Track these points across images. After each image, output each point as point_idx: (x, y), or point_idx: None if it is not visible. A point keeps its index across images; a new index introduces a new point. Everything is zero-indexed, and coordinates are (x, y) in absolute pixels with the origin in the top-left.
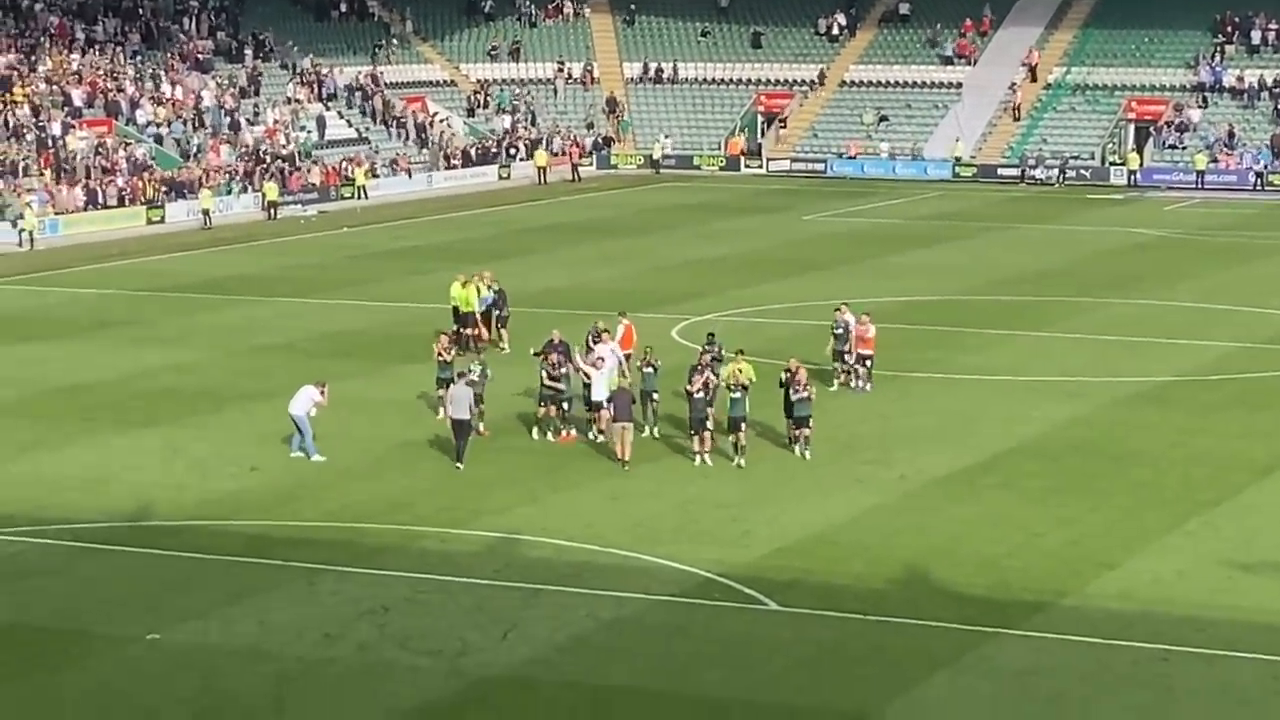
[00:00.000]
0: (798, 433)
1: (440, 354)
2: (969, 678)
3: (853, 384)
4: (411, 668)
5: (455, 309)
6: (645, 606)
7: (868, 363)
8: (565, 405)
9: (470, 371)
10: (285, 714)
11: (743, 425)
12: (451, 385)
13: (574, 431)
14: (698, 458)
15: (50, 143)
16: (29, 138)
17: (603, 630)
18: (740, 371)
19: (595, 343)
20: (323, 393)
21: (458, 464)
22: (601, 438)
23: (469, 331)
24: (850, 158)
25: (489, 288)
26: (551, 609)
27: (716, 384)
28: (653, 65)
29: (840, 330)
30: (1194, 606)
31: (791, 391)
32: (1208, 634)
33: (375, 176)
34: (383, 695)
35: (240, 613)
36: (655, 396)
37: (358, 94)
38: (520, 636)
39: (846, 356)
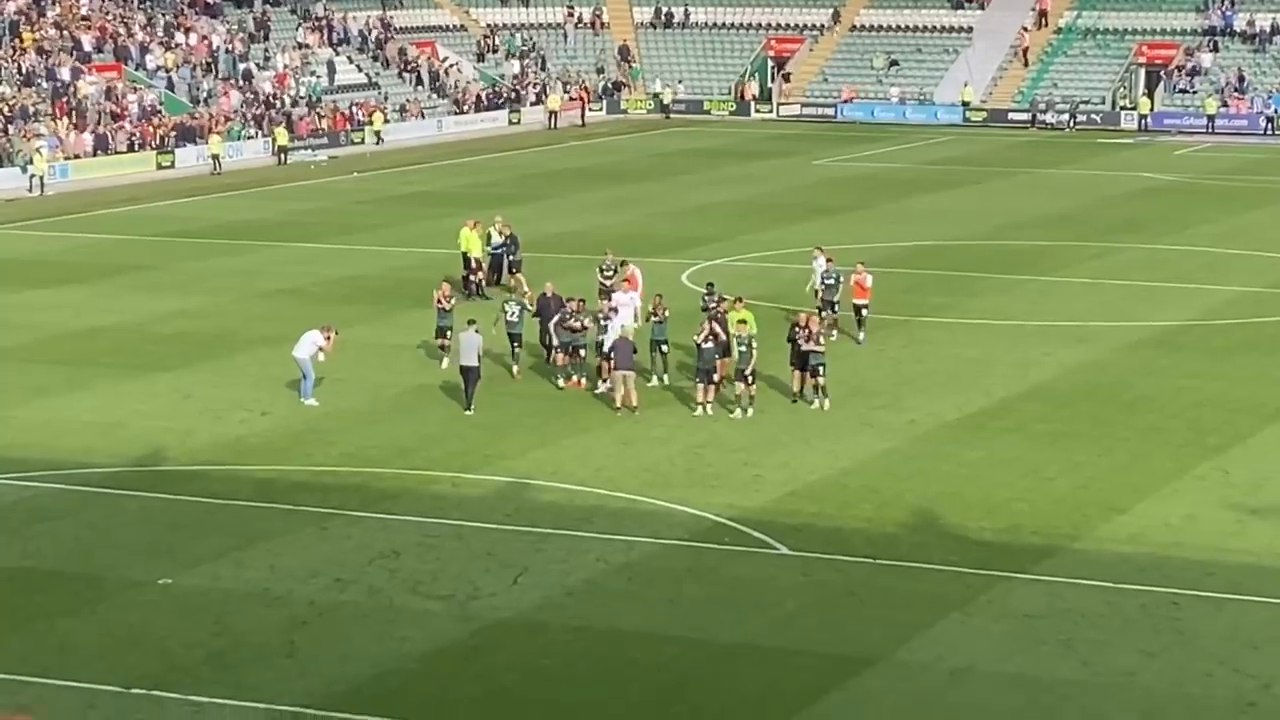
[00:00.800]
0: (813, 381)
1: (440, 302)
2: (979, 621)
3: (834, 336)
4: (422, 612)
5: (465, 254)
6: (655, 550)
7: (863, 313)
8: (581, 351)
9: (506, 312)
10: (296, 657)
11: (749, 377)
12: (461, 332)
13: (585, 379)
14: (699, 408)
15: (61, 88)
16: (39, 83)
17: (613, 574)
18: (744, 323)
19: (608, 281)
20: (328, 338)
21: (467, 410)
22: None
23: (472, 276)
24: (844, 101)
25: (500, 233)
26: (562, 553)
27: (724, 336)
28: (663, 9)
29: (832, 280)
30: (1203, 550)
31: (803, 342)
32: (1217, 577)
33: (386, 122)
34: (394, 639)
35: (252, 557)
36: (664, 347)
37: (368, 39)
38: (531, 580)
39: (836, 306)
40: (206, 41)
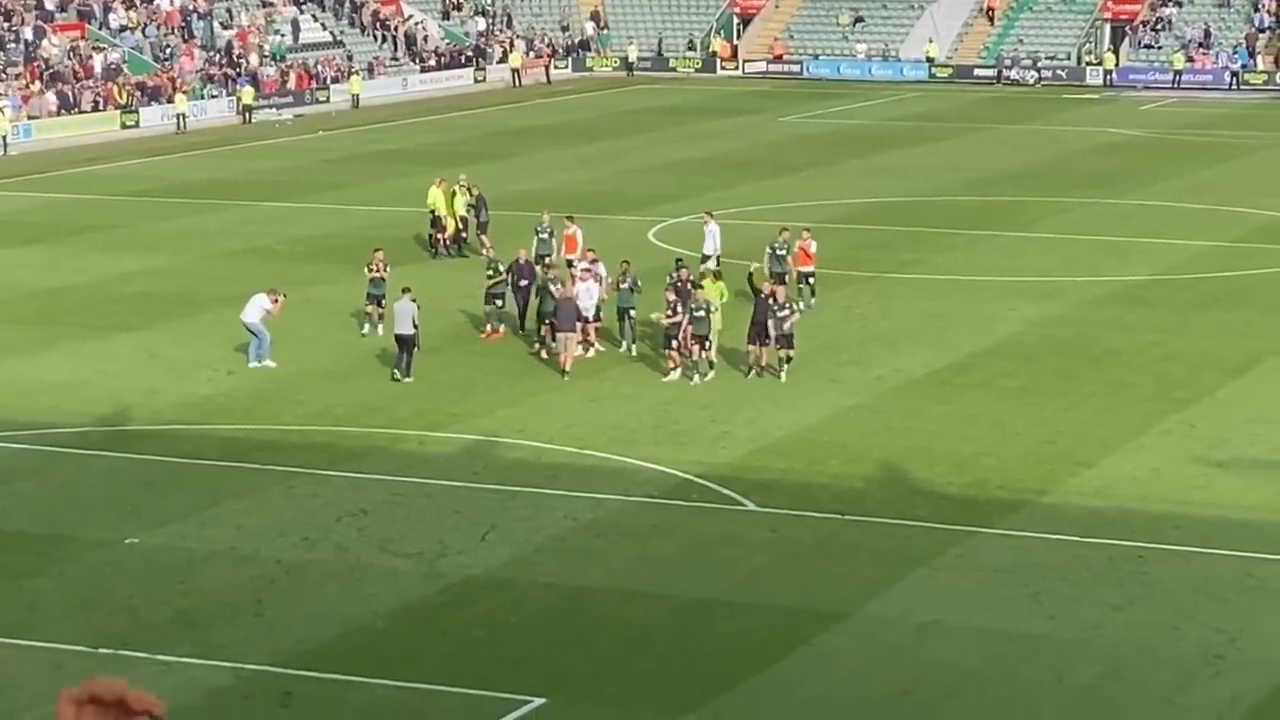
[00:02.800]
0: (782, 353)
1: (375, 269)
2: (947, 575)
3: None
4: (390, 570)
5: (432, 213)
6: (623, 507)
7: (810, 280)
8: (498, 302)
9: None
10: (264, 615)
11: (707, 343)
12: (395, 301)
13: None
14: (668, 375)
15: (24, 48)
16: (3, 41)
17: (581, 531)
18: (699, 288)
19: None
20: (275, 301)
21: (406, 378)
22: (594, 350)
23: (440, 235)
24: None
25: (470, 192)
26: (530, 510)
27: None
28: None
29: (783, 252)
30: (1169, 504)
31: (775, 310)
32: (1183, 531)
33: (347, 79)
34: (362, 597)
35: (218, 516)
36: (632, 313)
37: None
38: (499, 538)
39: (785, 279)
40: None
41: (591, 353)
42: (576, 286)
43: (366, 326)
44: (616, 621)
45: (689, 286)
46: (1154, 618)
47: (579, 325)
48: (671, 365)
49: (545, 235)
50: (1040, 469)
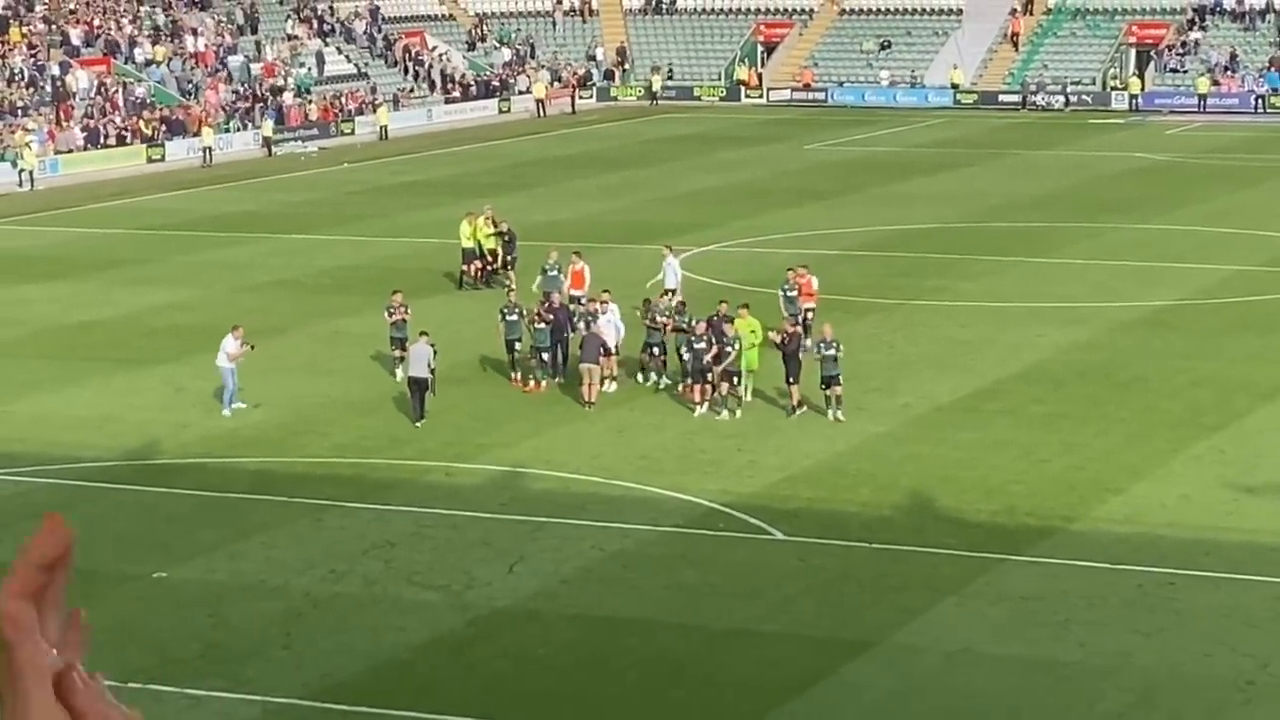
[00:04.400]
0: (829, 393)
1: (392, 312)
2: (975, 604)
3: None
4: (418, 602)
5: (463, 248)
6: (651, 537)
7: (809, 316)
8: (544, 355)
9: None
10: (293, 649)
11: (733, 378)
12: (412, 344)
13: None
14: (696, 408)
15: (50, 83)
16: (31, 78)
17: (608, 562)
18: (729, 322)
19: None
20: (237, 338)
21: (417, 422)
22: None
23: (468, 268)
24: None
25: (496, 225)
26: (557, 541)
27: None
28: None
29: (793, 292)
30: (1199, 530)
31: (820, 348)
32: (1213, 557)
33: (373, 111)
34: (390, 630)
35: (247, 549)
36: (655, 350)
37: (356, 30)
38: (526, 569)
39: (798, 318)
40: (196, 34)
41: (613, 387)
42: (599, 319)
43: (399, 372)
44: (644, 652)
45: (722, 321)
46: (1185, 644)
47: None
48: (698, 400)
49: (554, 272)
50: (1069, 496)
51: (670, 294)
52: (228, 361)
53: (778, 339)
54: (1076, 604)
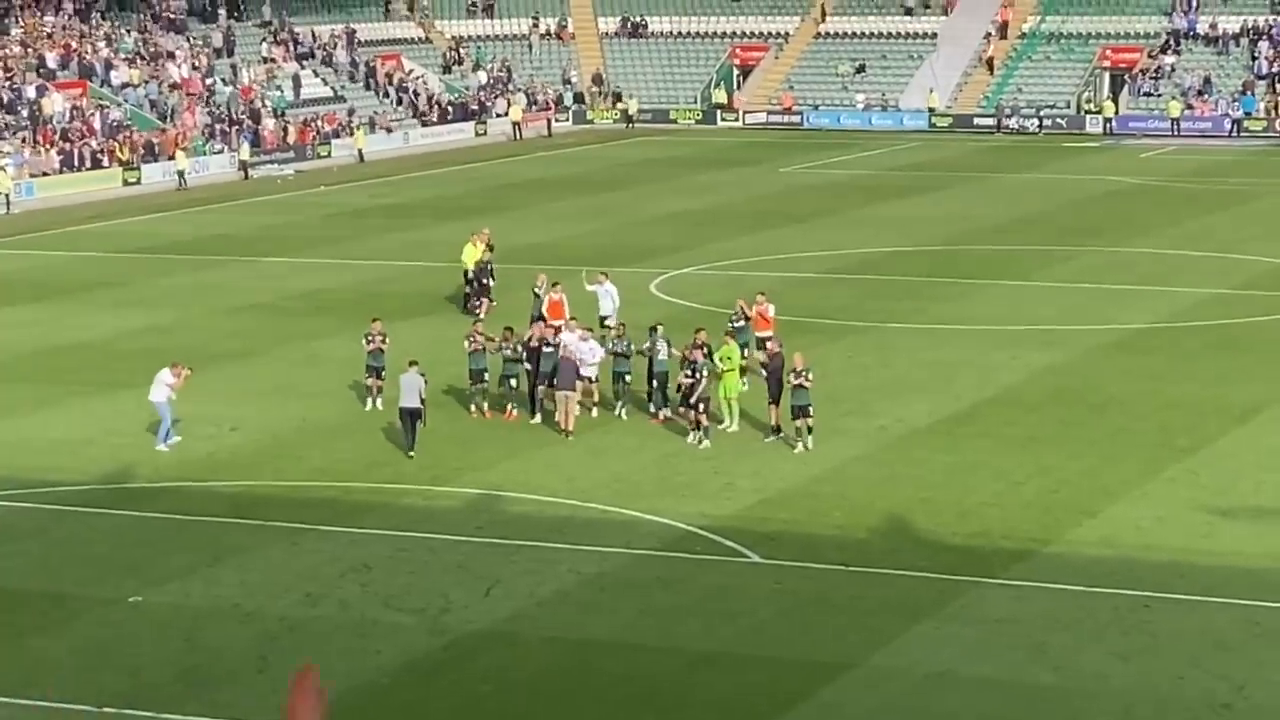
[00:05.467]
0: (798, 423)
1: (374, 341)
2: (951, 627)
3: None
4: (394, 625)
5: (465, 270)
6: (627, 560)
7: (766, 345)
8: (513, 381)
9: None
10: (269, 672)
11: (699, 405)
12: (402, 374)
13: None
14: (692, 435)
15: (26, 106)
16: (7, 101)
17: (585, 585)
18: (700, 348)
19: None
20: (177, 375)
21: (409, 453)
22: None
23: (490, 284)
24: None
25: (489, 248)
26: (534, 564)
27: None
28: (628, 19)
29: (740, 322)
30: (1174, 553)
31: (790, 377)
32: (1188, 580)
33: (351, 135)
34: (366, 653)
35: (222, 573)
36: (627, 377)
37: (333, 53)
38: (503, 592)
39: (745, 350)
40: (171, 58)
41: (595, 412)
42: (579, 349)
43: (369, 403)
44: (621, 675)
45: (694, 348)
46: (1160, 667)
47: (579, 384)
48: (691, 426)
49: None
50: (1044, 518)
51: (604, 320)
52: (164, 395)
53: (763, 358)
54: (1052, 627)
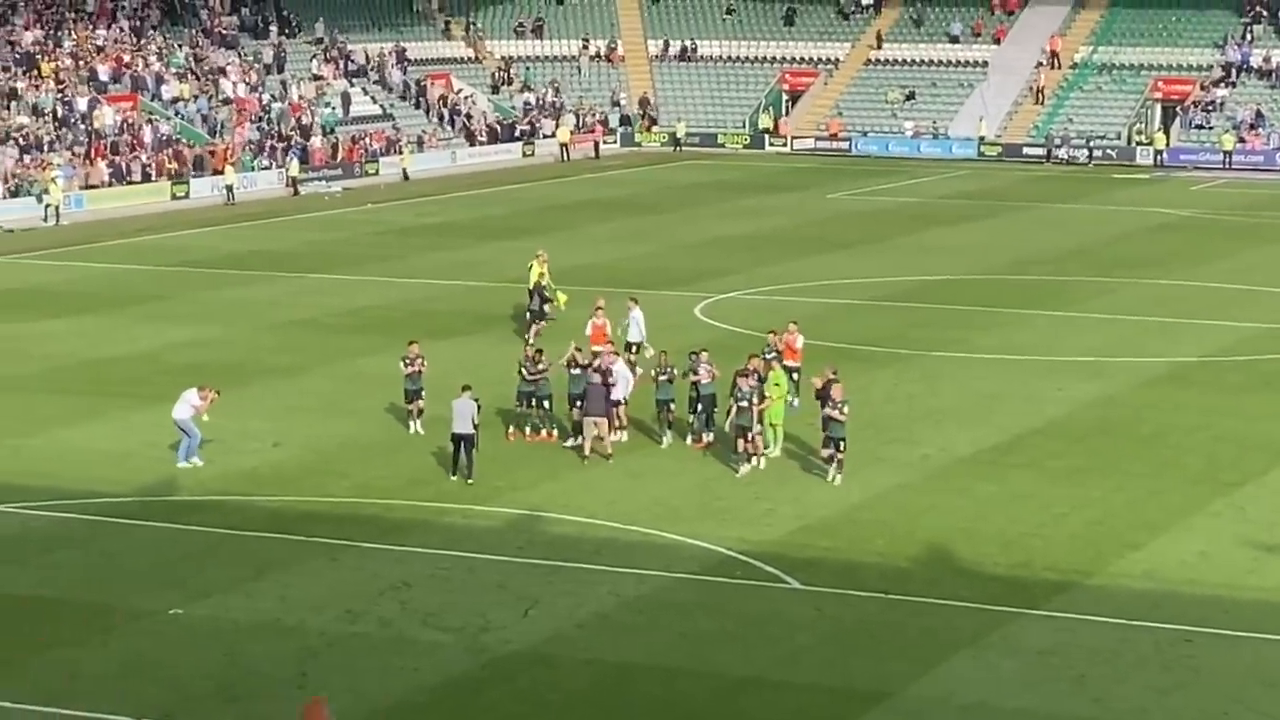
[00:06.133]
0: (827, 453)
1: (412, 364)
2: (991, 657)
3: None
4: (433, 644)
5: (530, 289)
6: (667, 584)
7: (794, 375)
8: (545, 403)
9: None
10: (307, 688)
11: (748, 434)
12: (455, 400)
13: (554, 431)
14: (743, 464)
15: (81, 120)
16: (61, 114)
17: (624, 607)
18: (745, 376)
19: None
20: (204, 397)
21: (468, 480)
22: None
23: (546, 309)
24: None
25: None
26: (573, 586)
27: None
28: (677, 43)
29: (771, 355)
30: (1218, 587)
31: (825, 405)
32: (1232, 615)
33: (399, 153)
34: (404, 670)
35: (263, 588)
36: (671, 406)
37: (382, 70)
38: (542, 613)
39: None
40: (223, 73)
41: (624, 436)
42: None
43: (411, 425)
44: (658, 700)
45: (739, 375)
46: (1202, 703)
47: (611, 409)
48: (743, 452)
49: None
50: (1087, 550)
51: (633, 348)
52: (188, 413)
53: (818, 384)
54: (1093, 660)
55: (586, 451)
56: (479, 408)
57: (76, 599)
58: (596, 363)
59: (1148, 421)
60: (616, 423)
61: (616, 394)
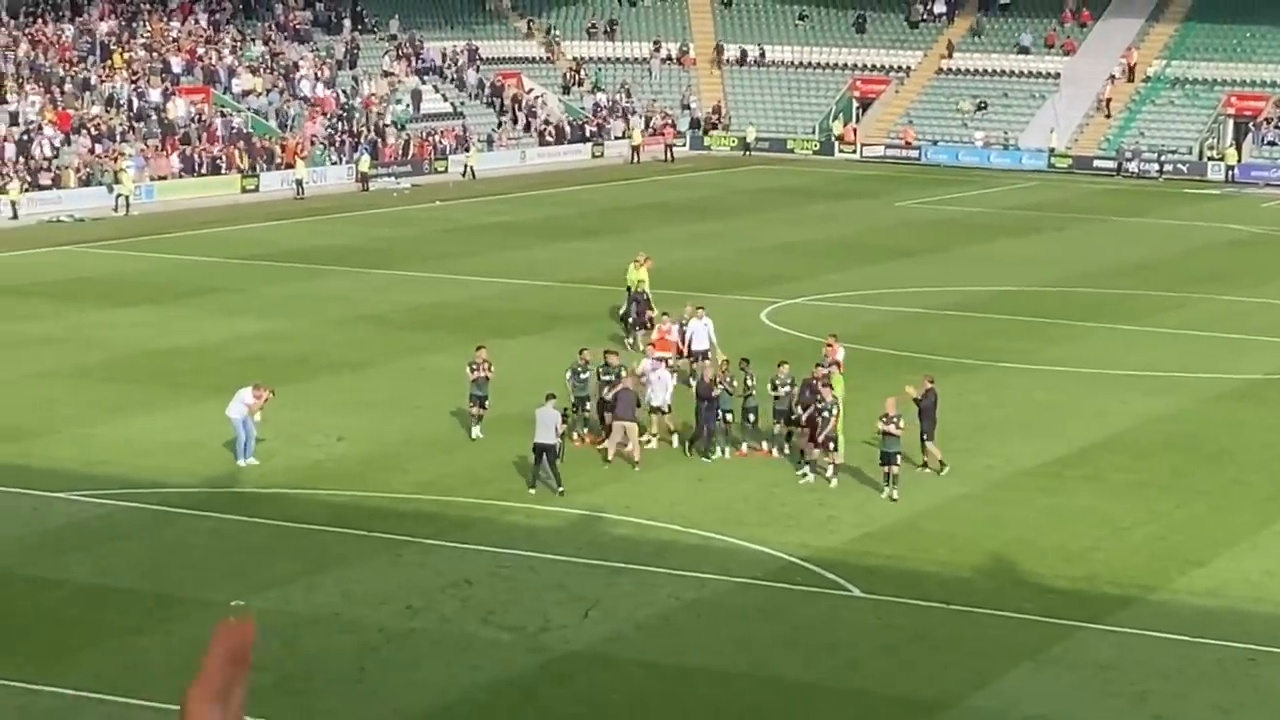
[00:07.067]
0: (886, 470)
1: (479, 369)
2: (1052, 670)
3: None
4: (493, 642)
5: (628, 289)
6: (727, 588)
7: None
8: (588, 405)
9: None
10: (366, 682)
11: (829, 444)
12: (539, 408)
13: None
14: (806, 469)
15: (153, 111)
16: (136, 107)
17: (684, 610)
18: (828, 387)
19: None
20: (258, 396)
21: (559, 489)
22: (663, 442)
23: (650, 314)
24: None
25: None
26: (633, 588)
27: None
28: (749, 47)
29: (830, 364)
30: None
31: (880, 422)
32: None
33: (465, 150)
34: (463, 668)
35: (324, 581)
36: (728, 417)
37: (459, 70)
38: (602, 614)
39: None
40: (295, 68)
41: (653, 442)
42: (649, 378)
43: (474, 430)
44: (716, 703)
45: (819, 384)
46: None
47: (654, 417)
48: (807, 460)
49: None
50: (1150, 566)
51: (696, 357)
52: (240, 412)
53: (916, 394)
54: (1154, 675)
55: (610, 455)
56: (563, 418)
57: (139, 588)
58: (638, 366)
59: (1214, 438)
60: (652, 430)
61: (656, 400)
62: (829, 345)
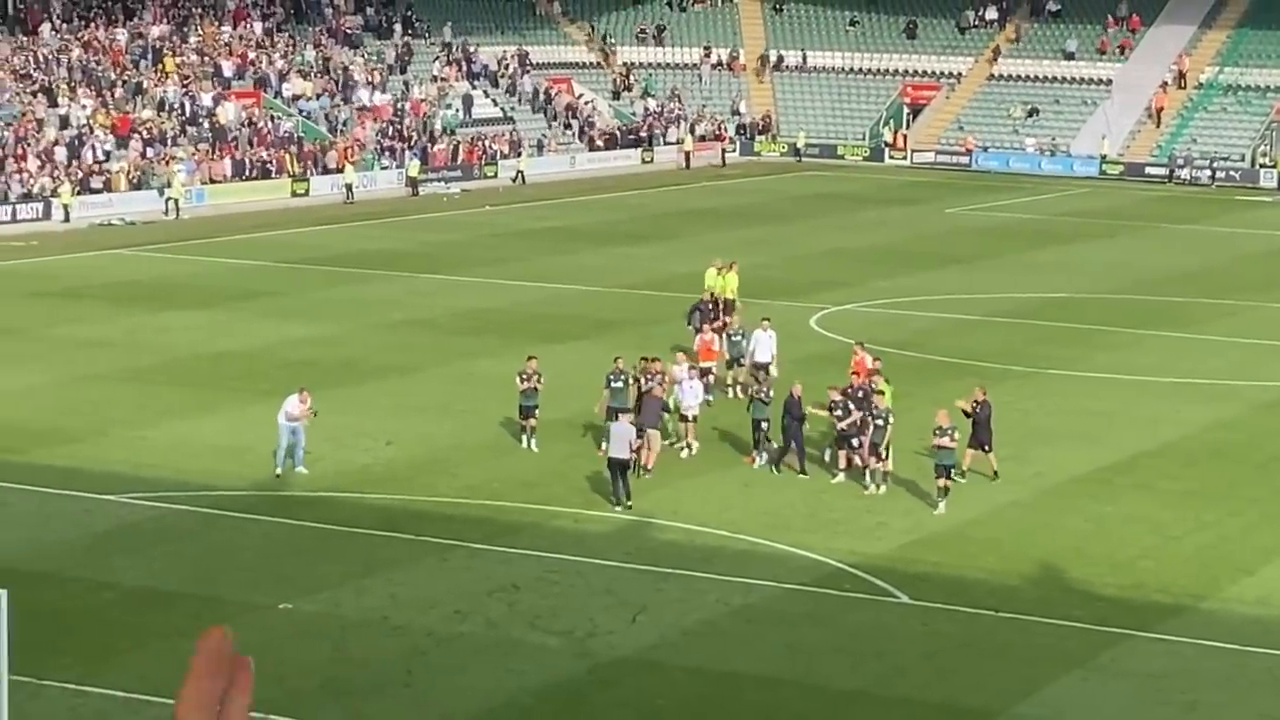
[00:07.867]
0: (940, 483)
1: (529, 380)
2: (1100, 679)
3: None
4: (540, 646)
5: (712, 294)
6: (775, 594)
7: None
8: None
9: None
10: (414, 686)
11: (883, 452)
12: (612, 423)
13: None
14: (837, 474)
15: (206, 115)
16: (189, 112)
17: (731, 616)
18: (880, 394)
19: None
20: (303, 400)
21: (627, 503)
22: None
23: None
24: (966, 151)
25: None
26: (681, 593)
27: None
28: (799, 53)
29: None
30: None
31: (934, 434)
32: None
33: (516, 155)
34: (510, 673)
35: (372, 585)
36: (765, 425)
37: (512, 77)
38: (649, 619)
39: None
40: (346, 72)
41: (684, 453)
42: (682, 386)
43: (524, 441)
44: (764, 709)
45: (872, 392)
46: None
47: (686, 425)
48: (843, 467)
49: (738, 339)
50: (1200, 574)
51: (761, 369)
52: (287, 420)
53: (967, 407)
54: (1203, 684)
55: (648, 465)
56: (637, 434)
57: (188, 590)
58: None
59: (1266, 447)
60: (689, 438)
61: (685, 408)
62: (856, 356)
